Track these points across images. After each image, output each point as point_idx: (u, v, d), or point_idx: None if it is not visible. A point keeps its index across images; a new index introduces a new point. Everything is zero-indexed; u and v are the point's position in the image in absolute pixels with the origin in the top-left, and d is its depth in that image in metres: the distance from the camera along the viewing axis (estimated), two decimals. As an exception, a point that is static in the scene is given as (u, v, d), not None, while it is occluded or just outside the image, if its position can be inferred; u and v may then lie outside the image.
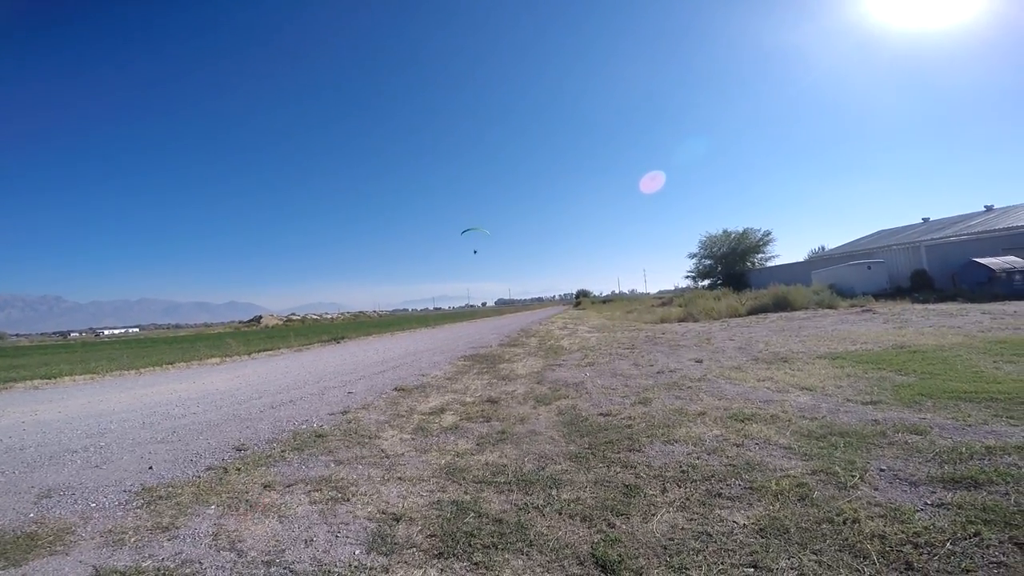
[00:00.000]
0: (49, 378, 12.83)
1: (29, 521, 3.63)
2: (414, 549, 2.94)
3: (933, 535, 2.62)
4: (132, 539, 3.24)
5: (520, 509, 3.38)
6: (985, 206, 34.26)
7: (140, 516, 3.61)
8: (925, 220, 38.18)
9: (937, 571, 2.34)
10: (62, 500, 4.03)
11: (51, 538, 3.32)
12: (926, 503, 3.01)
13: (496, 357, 12.73)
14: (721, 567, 2.51)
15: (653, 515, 3.14)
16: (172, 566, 2.87)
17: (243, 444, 5.44)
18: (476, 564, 2.73)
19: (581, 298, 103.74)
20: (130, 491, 4.16)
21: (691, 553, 2.66)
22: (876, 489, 3.25)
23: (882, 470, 3.53)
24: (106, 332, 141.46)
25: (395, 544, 3.01)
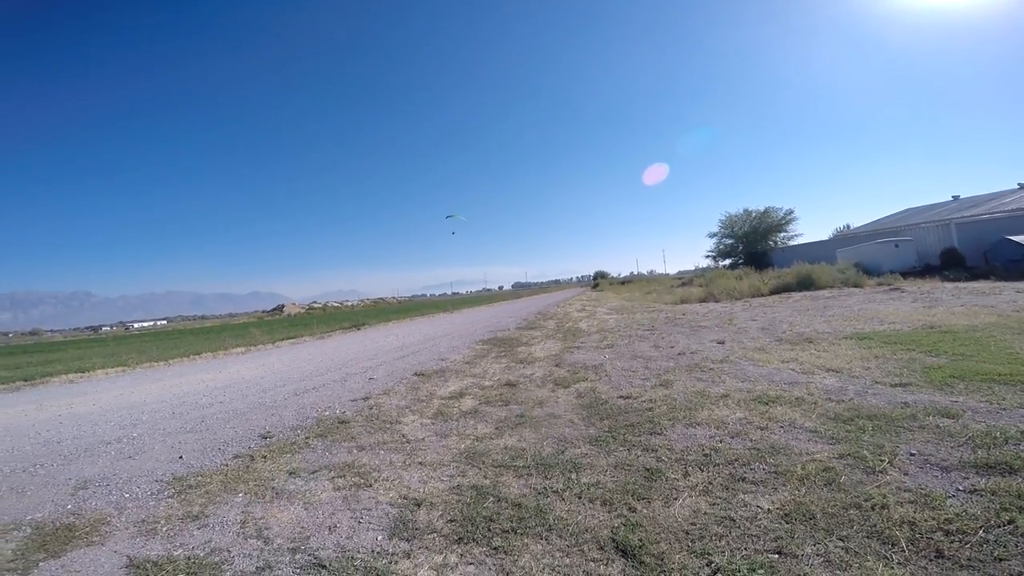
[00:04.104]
0: (83, 372, 13.25)
1: (67, 512, 3.76)
2: (435, 534, 2.97)
3: (965, 522, 2.54)
4: (164, 528, 3.34)
5: (539, 493, 3.39)
6: (1019, 183, 32.89)
7: (171, 505, 3.72)
8: (955, 198, 36.83)
9: (968, 559, 2.28)
10: (97, 491, 4.17)
11: (87, 529, 3.43)
12: (958, 489, 2.92)
13: (514, 340, 12.75)
14: (744, 552, 2.48)
15: (675, 499, 3.11)
16: (202, 554, 2.95)
17: (268, 432, 5.55)
18: (496, 549, 2.74)
19: (599, 280, 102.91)
20: (161, 481, 4.28)
21: (713, 538, 2.63)
22: (906, 474, 3.17)
23: (912, 454, 3.43)
24: (135, 325, 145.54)
25: (416, 529, 3.05)
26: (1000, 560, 2.24)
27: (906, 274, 21.63)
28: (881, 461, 3.33)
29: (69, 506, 3.88)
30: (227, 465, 4.55)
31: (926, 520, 2.60)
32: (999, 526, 2.49)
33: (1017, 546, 2.32)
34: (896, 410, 4.35)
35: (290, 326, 32.19)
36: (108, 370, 13.43)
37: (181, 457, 4.91)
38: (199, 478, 4.24)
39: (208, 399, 7.93)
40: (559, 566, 2.54)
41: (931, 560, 2.30)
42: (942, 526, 2.53)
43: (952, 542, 2.40)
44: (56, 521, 3.61)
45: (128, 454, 5.18)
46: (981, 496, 2.80)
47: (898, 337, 7.81)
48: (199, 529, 3.29)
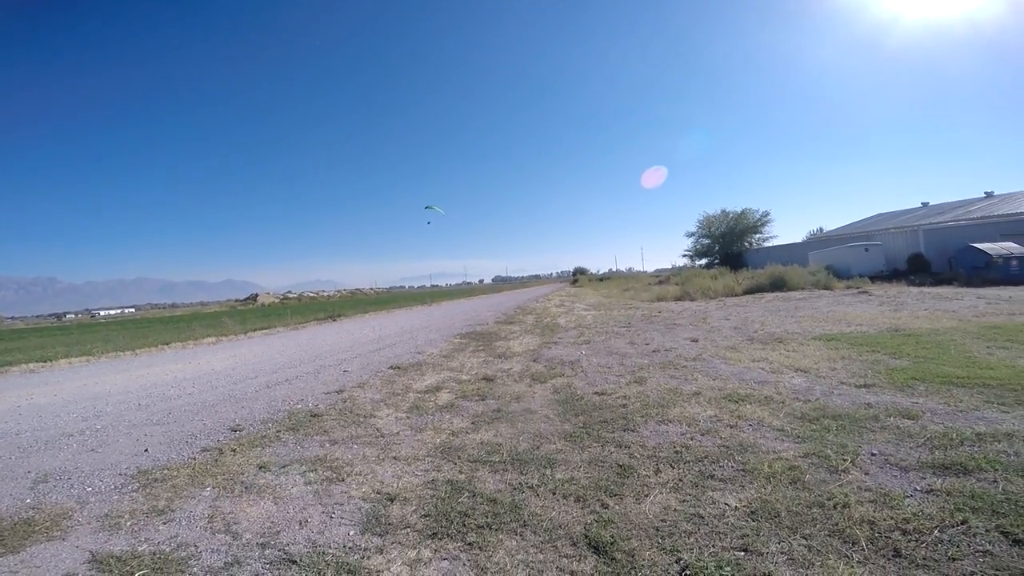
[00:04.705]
0: (45, 361, 12.78)
1: (26, 507, 3.63)
2: (408, 529, 2.96)
3: (921, 522, 2.63)
4: (128, 523, 3.25)
5: (514, 489, 3.40)
6: (985, 192, 34.29)
7: (136, 500, 3.63)
8: (924, 205, 38.10)
9: (924, 558, 2.36)
10: (58, 485, 4.04)
11: (48, 523, 3.33)
12: (916, 489, 3.03)
13: (492, 335, 12.75)
14: (712, 550, 2.53)
15: (646, 496, 3.16)
16: (168, 549, 2.89)
17: (238, 424, 5.45)
18: (470, 544, 2.75)
19: (578, 276, 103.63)
20: (126, 474, 4.17)
21: (683, 535, 2.68)
22: (867, 474, 3.27)
23: (873, 454, 3.55)
24: (102, 313, 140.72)
25: (389, 524, 3.03)
26: (953, 559, 2.33)
27: (875, 278, 22.31)
28: (844, 461, 3.43)
29: (28, 500, 3.75)
30: (195, 458, 4.45)
31: (885, 519, 2.68)
32: (953, 526, 2.58)
33: (970, 546, 2.42)
34: (860, 410, 4.49)
35: (264, 316, 31.59)
36: (71, 359, 12.98)
37: (147, 450, 4.79)
38: (165, 471, 4.14)
39: (176, 390, 7.74)
40: (532, 562, 2.55)
41: (889, 559, 2.38)
42: (900, 525, 2.62)
43: (909, 541, 2.49)
44: (14, 516, 3.48)
45: (91, 447, 5.03)
46: (937, 496, 2.90)
47: (864, 339, 8.06)
48: (165, 524, 3.22)
